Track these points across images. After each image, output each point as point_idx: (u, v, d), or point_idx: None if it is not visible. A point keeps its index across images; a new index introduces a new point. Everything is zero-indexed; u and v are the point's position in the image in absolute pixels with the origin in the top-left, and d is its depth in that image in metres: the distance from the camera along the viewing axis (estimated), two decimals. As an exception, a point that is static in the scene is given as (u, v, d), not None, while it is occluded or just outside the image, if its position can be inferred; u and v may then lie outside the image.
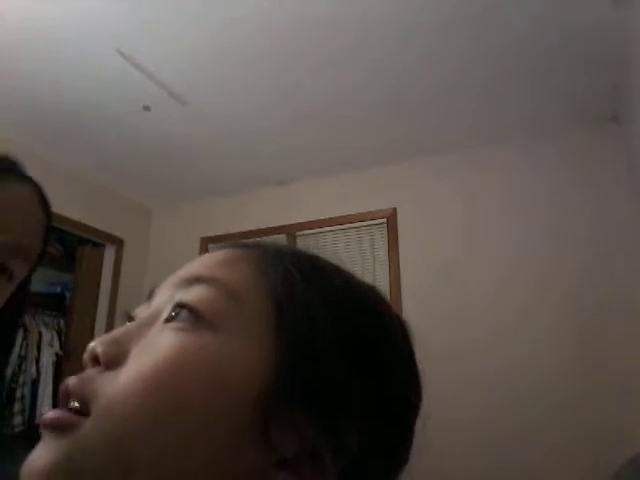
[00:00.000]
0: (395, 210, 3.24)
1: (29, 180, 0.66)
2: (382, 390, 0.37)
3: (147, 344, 0.34)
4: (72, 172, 3.43)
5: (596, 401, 2.52)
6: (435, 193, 3.19)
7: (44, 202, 0.66)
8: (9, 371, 3.31)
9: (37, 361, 3.43)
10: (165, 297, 0.37)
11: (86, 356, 0.34)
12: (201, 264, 0.38)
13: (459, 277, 2.98)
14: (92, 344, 0.34)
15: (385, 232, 3.25)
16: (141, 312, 0.38)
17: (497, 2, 2.07)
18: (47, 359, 3.46)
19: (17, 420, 3.24)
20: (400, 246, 3.18)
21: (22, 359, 3.39)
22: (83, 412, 0.31)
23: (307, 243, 3.43)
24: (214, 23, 2.20)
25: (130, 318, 0.39)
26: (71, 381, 0.33)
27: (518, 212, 2.95)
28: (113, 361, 0.33)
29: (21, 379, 3.34)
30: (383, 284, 3.13)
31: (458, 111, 2.81)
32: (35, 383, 3.37)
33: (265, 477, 0.31)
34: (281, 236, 3.46)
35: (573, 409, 2.55)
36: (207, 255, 0.40)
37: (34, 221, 0.62)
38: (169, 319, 0.34)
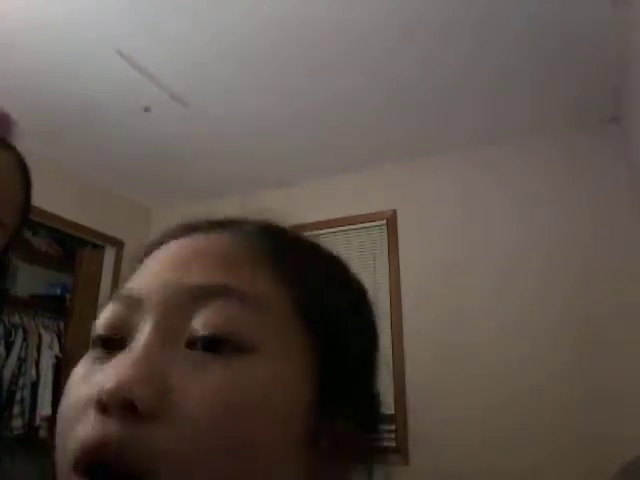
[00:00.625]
0: (395, 212, 3.24)
1: (9, 148, 0.62)
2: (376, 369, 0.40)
3: (190, 381, 0.29)
4: (72, 173, 3.43)
5: (596, 403, 2.52)
6: (435, 194, 3.19)
7: (24, 172, 0.63)
8: (8, 373, 3.31)
9: (37, 363, 3.42)
10: (172, 308, 0.32)
11: (111, 399, 0.28)
12: (204, 264, 0.34)
13: (459, 278, 2.98)
14: (115, 385, 0.28)
15: (385, 233, 3.25)
16: (121, 319, 0.34)
17: (496, 4, 2.07)
18: (47, 361, 3.46)
19: (17, 423, 3.23)
20: (400, 247, 3.18)
21: (22, 361, 3.39)
22: (137, 477, 0.27)
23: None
24: (214, 24, 2.20)
25: (104, 330, 0.34)
26: (105, 434, 0.27)
27: (518, 213, 2.95)
28: (156, 409, 0.28)
29: (21, 381, 3.33)
30: (383, 285, 3.13)
31: (458, 113, 2.81)
32: (35, 386, 3.36)
33: (309, 472, 0.32)
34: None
35: (573, 411, 2.55)
36: (203, 246, 0.36)
37: (10, 189, 0.59)
38: (197, 345, 0.31)
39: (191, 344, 0.31)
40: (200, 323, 0.31)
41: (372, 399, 0.37)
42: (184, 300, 0.32)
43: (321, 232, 3.41)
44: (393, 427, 2.85)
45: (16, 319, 3.51)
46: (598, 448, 2.41)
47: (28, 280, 3.97)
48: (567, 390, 2.58)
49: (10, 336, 3.40)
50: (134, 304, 0.33)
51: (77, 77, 2.53)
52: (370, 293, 0.41)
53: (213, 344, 0.30)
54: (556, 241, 2.82)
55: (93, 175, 3.54)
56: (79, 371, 0.33)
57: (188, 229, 0.39)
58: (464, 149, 3.13)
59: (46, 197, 3.19)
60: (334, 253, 0.41)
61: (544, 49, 2.31)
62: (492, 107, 2.77)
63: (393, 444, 2.82)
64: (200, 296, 0.32)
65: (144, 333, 0.31)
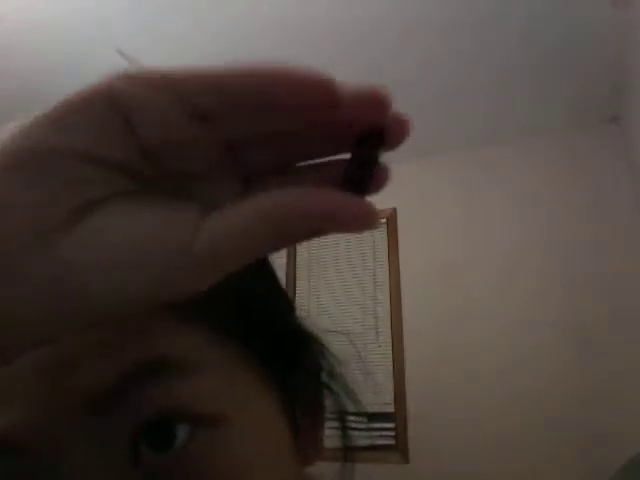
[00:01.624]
0: (395, 210, 3.24)
1: None
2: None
3: None
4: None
5: (596, 402, 2.52)
6: (435, 193, 3.19)
7: None
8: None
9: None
10: (73, 420, 0.23)
11: None
12: (110, 344, 0.24)
13: (459, 277, 2.98)
14: None
15: (385, 233, 3.25)
16: None
17: (496, 4, 2.07)
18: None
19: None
20: (400, 246, 3.18)
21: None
22: None
23: (307, 244, 3.43)
24: (214, 24, 2.20)
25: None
26: None
27: (518, 213, 2.95)
28: None
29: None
30: (383, 285, 3.13)
31: (458, 112, 2.82)
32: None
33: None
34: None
35: (573, 410, 2.55)
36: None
37: None
38: (137, 455, 0.23)
39: (134, 456, 0.23)
40: (133, 423, 0.23)
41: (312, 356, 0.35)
42: (94, 414, 0.23)
43: (321, 232, 3.41)
44: (393, 426, 2.86)
45: None
46: (598, 448, 2.41)
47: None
48: (567, 390, 2.59)
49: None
50: (15, 455, 0.23)
51: (77, 77, 2.53)
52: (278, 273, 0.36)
53: (165, 435, 0.23)
54: (556, 241, 2.82)
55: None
56: None
57: None
58: (464, 149, 3.13)
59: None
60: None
61: (544, 49, 2.31)
62: (492, 107, 2.77)
63: (393, 443, 2.82)
64: (113, 396, 0.23)
65: None
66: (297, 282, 3.30)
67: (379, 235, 3.27)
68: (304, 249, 3.40)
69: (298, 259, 3.37)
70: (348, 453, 0.37)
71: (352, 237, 3.33)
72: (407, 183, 3.27)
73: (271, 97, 0.18)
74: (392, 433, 2.85)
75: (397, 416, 2.86)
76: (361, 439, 2.78)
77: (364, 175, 0.21)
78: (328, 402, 0.35)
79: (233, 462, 0.24)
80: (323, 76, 0.18)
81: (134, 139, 0.18)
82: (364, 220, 0.20)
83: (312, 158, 0.22)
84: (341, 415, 0.36)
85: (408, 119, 0.21)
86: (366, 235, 3.31)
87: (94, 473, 0.22)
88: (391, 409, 2.88)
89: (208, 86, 0.18)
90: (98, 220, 0.18)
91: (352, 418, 0.37)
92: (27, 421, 0.22)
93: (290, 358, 0.32)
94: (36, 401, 0.22)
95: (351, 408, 0.36)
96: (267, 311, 0.32)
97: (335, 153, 0.22)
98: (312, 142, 0.21)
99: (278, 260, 0.37)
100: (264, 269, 0.34)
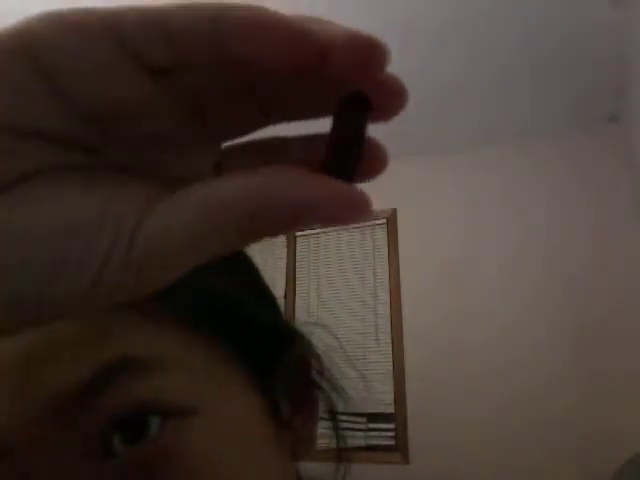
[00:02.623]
0: (395, 210, 3.24)
1: None
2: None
3: None
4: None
5: (596, 402, 2.52)
6: (435, 193, 3.19)
7: None
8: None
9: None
10: (43, 424, 0.23)
11: None
12: (74, 344, 0.24)
13: (459, 277, 2.98)
14: None
15: (385, 232, 3.25)
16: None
17: (496, 4, 2.07)
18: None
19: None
20: (400, 246, 3.18)
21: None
22: None
23: (307, 243, 3.43)
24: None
25: None
26: None
27: (518, 212, 2.95)
28: None
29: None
30: (383, 285, 3.13)
31: (458, 112, 2.82)
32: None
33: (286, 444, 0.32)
34: (281, 236, 3.46)
35: (573, 410, 2.55)
36: (62, 328, 0.24)
37: None
38: (110, 449, 0.23)
39: (106, 452, 0.23)
40: (104, 419, 0.23)
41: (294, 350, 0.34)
42: (63, 417, 0.23)
43: (321, 230, 3.41)
44: (393, 426, 2.86)
45: None
46: (599, 447, 2.41)
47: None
48: (567, 390, 2.58)
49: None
50: None
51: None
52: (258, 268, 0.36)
53: (136, 429, 0.23)
54: (556, 241, 2.82)
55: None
56: None
57: None
58: (464, 149, 3.13)
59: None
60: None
61: (544, 49, 2.31)
62: (492, 107, 2.77)
63: (393, 443, 2.82)
64: (81, 398, 0.23)
65: None
66: (297, 276, 3.30)
67: (380, 235, 3.27)
68: (304, 248, 3.40)
69: (298, 256, 3.37)
70: (343, 453, 0.37)
71: (352, 236, 3.33)
72: (407, 183, 3.27)
73: (232, 43, 0.15)
74: (392, 433, 2.85)
75: (397, 416, 2.86)
76: (361, 439, 2.78)
77: (347, 154, 0.16)
78: (320, 400, 0.35)
79: (203, 450, 0.24)
80: (300, 24, 0.15)
81: (67, 102, 0.15)
82: (342, 212, 0.15)
83: (297, 119, 0.19)
84: (332, 414, 0.36)
85: (404, 87, 0.17)
86: (367, 235, 3.31)
87: (65, 468, 0.23)
88: (391, 409, 2.88)
89: (153, 26, 0.15)
90: (21, 193, 0.15)
91: (352, 419, 0.37)
92: (28, 419, 0.23)
93: (270, 355, 0.31)
94: (4, 399, 0.23)
95: (342, 407, 0.36)
96: (239, 307, 0.30)
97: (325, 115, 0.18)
98: (295, 102, 0.18)
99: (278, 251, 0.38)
100: (236, 262, 0.33)
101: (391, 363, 2.96)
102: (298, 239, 3.47)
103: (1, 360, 0.23)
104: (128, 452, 0.23)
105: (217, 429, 0.26)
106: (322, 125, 0.19)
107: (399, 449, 2.80)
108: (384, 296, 3.10)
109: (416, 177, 3.26)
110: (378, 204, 3.28)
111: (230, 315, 0.30)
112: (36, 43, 0.15)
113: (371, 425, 2.82)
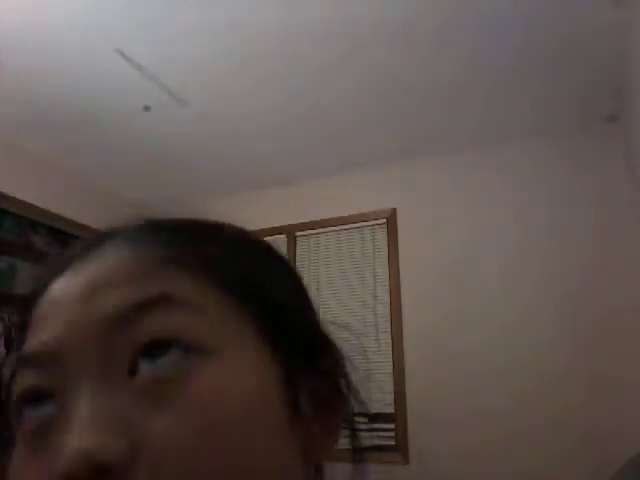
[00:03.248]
0: (395, 210, 3.24)
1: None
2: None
3: (155, 416, 0.26)
4: (72, 172, 3.43)
5: (596, 402, 2.52)
6: (435, 193, 3.19)
7: None
8: (8, 372, 3.31)
9: (37, 362, 3.42)
10: (98, 343, 0.28)
11: (81, 469, 0.24)
12: (120, 282, 0.30)
13: (459, 278, 2.98)
14: (79, 452, 0.24)
15: (385, 232, 3.25)
16: (43, 381, 0.29)
17: (497, 4, 2.07)
18: (47, 360, 3.46)
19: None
20: (400, 246, 3.18)
21: (22, 360, 3.39)
22: None
23: (307, 243, 3.43)
24: (214, 24, 2.20)
25: (24, 360, 0.30)
26: None
27: (518, 212, 2.95)
28: (130, 463, 0.25)
29: (21, 380, 3.33)
30: (383, 284, 3.13)
31: (458, 112, 2.81)
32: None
33: (302, 440, 0.32)
34: (281, 236, 3.46)
35: (573, 410, 2.55)
36: (108, 265, 0.31)
37: None
38: (137, 368, 0.27)
39: (133, 370, 0.28)
40: (136, 341, 0.28)
41: (330, 352, 0.36)
42: (110, 328, 0.28)
43: (321, 230, 3.42)
44: (393, 427, 2.86)
45: (16, 318, 3.51)
46: (599, 447, 2.41)
47: (28, 279, 3.98)
48: (567, 390, 2.59)
49: (10, 334, 3.40)
50: (50, 363, 0.29)
51: (77, 77, 2.53)
52: (291, 262, 0.40)
53: (161, 353, 0.27)
54: (557, 240, 2.82)
55: (93, 174, 3.54)
56: (17, 465, 0.29)
57: (90, 247, 0.34)
58: (464, 147, 3.13)
59: (46, 196, 3.20)
60: (257, 238, 0.40)
61: (544, 49, 2.31)
62: (492, 107, 2.77)
63: (393, 443, 2.82)
64: (128, 317, 0.28)
65: (83, 389, 0.27)
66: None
67: (379, 233, 3.27)
68: (304, 249, 3.40)
69: (298, 257, 3.37)
70: (357, 454, 0.38)
71: (353, 235, 3.33)
72: (407, 183, 3.28)
73: None
74: (392, 434, 2.85)
75: (397, 417, 2.86)
76: (364, 440, 2.78)
77: None
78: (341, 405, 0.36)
79: (211, 389, 0.27)
80: None
81: None
82: None
83: None
84: (350, 417, 0.37)
85: None
86: (366, 235, 3.31)
87: (98, 377, 0.28)
88: (391, 410, 2.88)
89: None
90: None
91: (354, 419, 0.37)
92: (61, 334, 0.29)
93: (304, 352, 0.34)
94: (68, 320, 0.29)
95: (356, 409, 0.37)
96: (283, 296, 0.35)
97: None
98: None
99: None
100: (290, 271, 0.39)
101: (391, 364, 2.96)
102: (298, 239, 3.47)
103: (71, 288, 0.31)
104: (148, 374, 0.27)
105: (230, 378, 0.28)
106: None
107: (399, 449, 2.80)
108: (384, 296, 3.10)
109: (416, 177, 3.26)
110: (378, 204, 3.28)
111: (273, 300, 0.34)
112: None
113: (371, 425, 2.82)
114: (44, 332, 0.30)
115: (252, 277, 0.34)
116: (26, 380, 0.30)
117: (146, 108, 2.76)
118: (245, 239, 0.38)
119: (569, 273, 2.75)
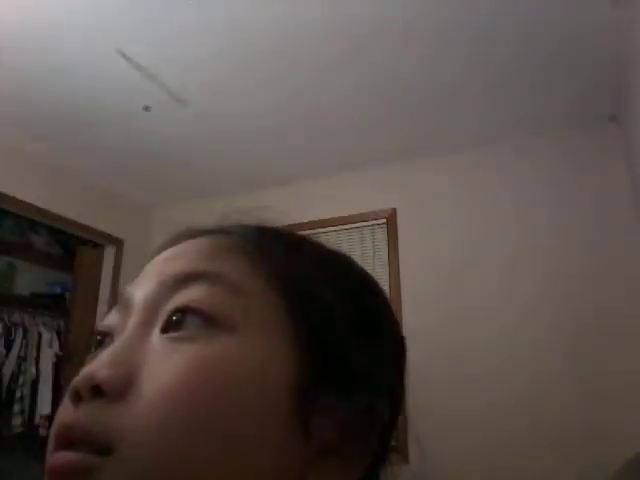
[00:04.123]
0: (395, 210, 3.24)
1: None
2: (389, 353, 0.40)
3: (157, 362, 0.30)
4: (72, 172, 3.43)
5: (596, 402, 2.52)
6: (435, 193, 3.19)
7: None
8: (8, 372, 3.31)
9: (37, 362, 3.42)
10: (151, 300, 0.34)
11: (81, 385, 0.29)
12: (186, 258, 0.35)
13: (459, 278, 2.98)
14: (87, 372, 0.30)
15: (385, 232, 3.25)
16: (115, 320, 0.35)
17: (496, 4, 2.07)
18: (47, 360, 3.46)
19: (16, 421, 3.23)
20: (400, 246, 3.18)
21: (21, 360, 3.39)
22: (101, 452, 0.27)
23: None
24: (214, 24, 2.20)
25: (99, 332, 0.36)
26: (74, 418, 0.29)
27: (518, 212, 2.95)
28: (121, 389, 0.29)
29: (20, 380, 3.34)
30: (383, 284, 3.13)
31: (458, 112, 2.81)
32: (35, 384, 3.37)
33: (311, 466, 0.31)
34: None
35: (573, 410, 2.55)
36: (187, 246, 0.37)
37: None
38: (169, 327, 0.32)
39: (165, 328, 0.32)
40: (172, 305, 0.33)
41: (378, 386, 0.36)
42: (162, 291, 0.34)
43: (321, 230, 3.41)
44: (393, 427, 2.86)
45: (16, 317, 3.52)
46: (599, 447, 2.41)
47: (28, 279, 3.98)
48: (567, 390, 2.58)
49: (10, 334, 3.41)
50: (126, 305, 0.35)
51: (77, 77, 2.53)
52: (376, 281, 0.41)
53: (183, 318, 0.32)
54: (556, 241, 2.82)
55: (93, 174, 3.54)
56: None
57: (186, 235, 0.40)
58: (464, 147, 3.13)
59: (46, 196, 3.20)
60: (328, 246, 0.41)
61: (544, 49, 2.31)
62: (492, 107, 2.77)
63: (393, 443, 2.82)
64: (180, 281, 0.33)
65: (127, 329, 0.33)
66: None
67: (380, 235, 3.27)
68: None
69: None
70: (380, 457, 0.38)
71: (352, 235, 3.33)
72: (407, 183, 3.27)
73: None
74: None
75: (397, 416, 2.85)
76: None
77: None
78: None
79: (214, 353, 0.30)
80: None
81: None
82: None
83: None
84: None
85: None
86: (366, 235, 3.31)
87: (141, 326, 0.33)
88: (391, 409, 2.88)
89: None
90: None
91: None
92: (139, 287, 0.36)
93: (335, 371, 0.33)
94: (146, 279, 0.36)
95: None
96: (336, 318, 0.35)
97: None
98: None
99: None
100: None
101: (391, 363, 2.96)
102: (298, 239, 3.47)
103: (161, 257, 0.38)
104: (170, 334, 0.31)
105: (236, 354, 0.31)
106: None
107: (399, 449, 2.79)
108: (384, 296, 3.10)
109: (416, 177, 3.26)
110: (378, 204, 3.28)
111: (322, 322, 0.34)
112: None
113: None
114: (133, 284, 0.37)
115: (309, 283, 0.35)
116: (107, 317, 0.36)
117: (146, 108, 2.76)
118: (323, 252, 0.40)
119: (569, 273, 2.75)
